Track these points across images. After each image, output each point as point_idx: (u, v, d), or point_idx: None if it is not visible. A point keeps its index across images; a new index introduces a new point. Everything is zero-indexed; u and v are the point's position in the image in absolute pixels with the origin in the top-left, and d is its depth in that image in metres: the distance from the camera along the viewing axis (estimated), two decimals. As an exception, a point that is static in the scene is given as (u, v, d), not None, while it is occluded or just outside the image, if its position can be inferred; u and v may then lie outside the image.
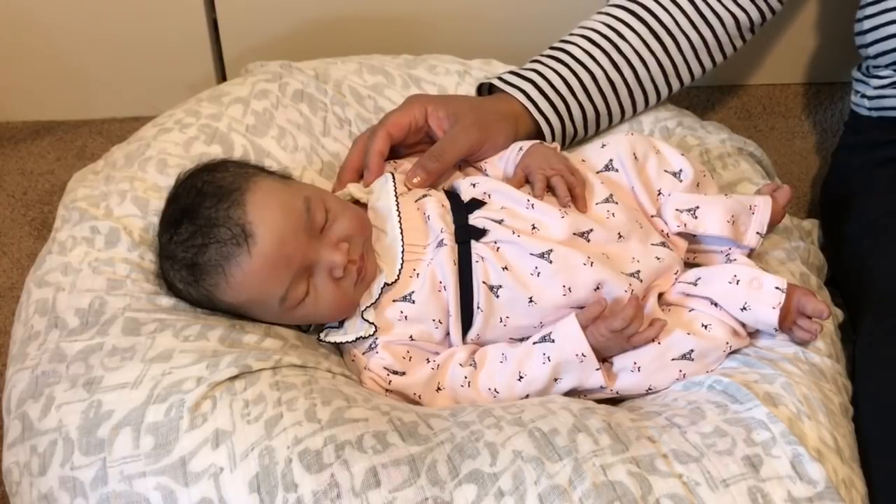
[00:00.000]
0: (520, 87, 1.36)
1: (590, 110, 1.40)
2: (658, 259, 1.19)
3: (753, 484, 0.99)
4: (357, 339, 1.15)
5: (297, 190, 1.16)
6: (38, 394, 1.07)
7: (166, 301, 1.16)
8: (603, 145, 1.28)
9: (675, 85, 1.45)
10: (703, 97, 1.93)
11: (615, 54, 1.40)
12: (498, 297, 1.16)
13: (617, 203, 1.21)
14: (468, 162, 1.32)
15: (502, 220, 1.18)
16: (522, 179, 1.24)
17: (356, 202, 1.25)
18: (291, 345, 1.14)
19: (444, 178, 1.29)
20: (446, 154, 1.27)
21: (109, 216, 1.23)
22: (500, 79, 1.39)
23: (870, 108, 1.50)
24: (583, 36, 1.41)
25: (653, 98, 1.45)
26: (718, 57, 1.45)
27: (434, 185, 1.27)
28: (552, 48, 1.42)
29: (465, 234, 1.17)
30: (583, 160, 1.28)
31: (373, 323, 1.15)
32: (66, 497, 1.01)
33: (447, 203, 1.21)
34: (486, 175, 1.30)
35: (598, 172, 1.26)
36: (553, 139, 1.38)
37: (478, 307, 1.16)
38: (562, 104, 1.37)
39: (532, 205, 1.19)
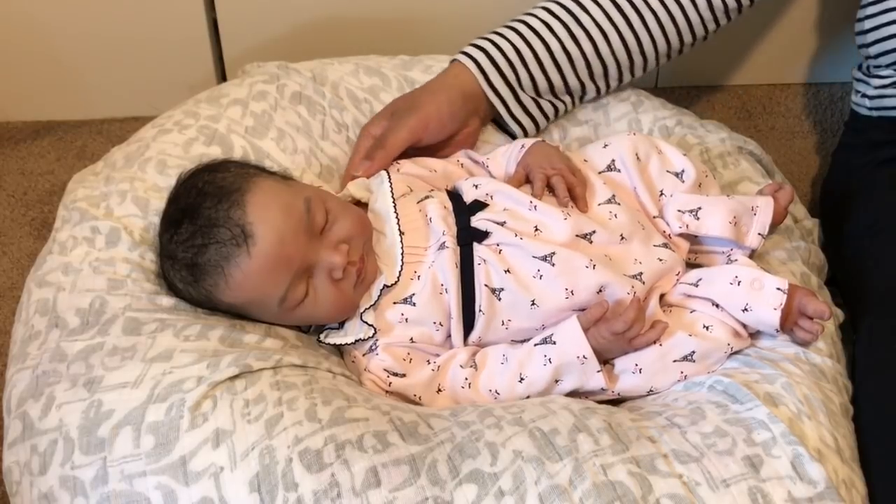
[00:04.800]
0: (470, 54, 1.38)
1: (541, 80, 1.40)
2: (660, 260, 1.19)
3: (754, 484, 0.99)
4: (356, 341, 1.15)
5: (298, 190, 1.16)
6: (39, 393, 1.07)
7: (167, 301, 1.16)
8: (605, 145, 1.28)
9: (639, 62, 1.44)
10: (703, 97, 1.93)
11: (574, 26, 1.40)
12: (500, 299, 1.16)
13: (619, 204, 1.22)
14: (471, 158, 1.33)
15: (505, 223, 1.18)
16: (523, 178, 1.25)
17: (357, 202, 1.25)
18: (292, 345, 1.15)
19: (441, 178, 1.30)
20: (388, 141, 1.30)
21: (110, 216, 1.23)
22: (461, 51, 1.40)
23: (870, 108, 1.50)
24: (544, 8, 1.42)
25: (614, 74, 1.44)
26: (688, 37, 1.44)
27: (384, 169, 1.28)
28: (514, 19, 1.43)
29: (468, 237, 1.18)
30: (585, 160, 1.28)
31: (372, 325, 1.15)
32: (66, 496, 1.01)
33: (449, 204, 1.21)
34: (488, 170, 1.30)
35: (600, 173, 1.26)
36: (505, 107, 1.38)
37: (479, 310, 1.16)
38: (511, 73, 1.38)
39: (535, 206, 1.19)
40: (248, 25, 1.78)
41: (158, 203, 1.22)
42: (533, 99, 1.41)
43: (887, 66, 1.47)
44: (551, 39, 1.39)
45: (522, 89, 1.39)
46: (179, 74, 1.82)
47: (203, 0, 1.75)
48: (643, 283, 1.17)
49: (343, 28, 1.78)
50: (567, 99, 1.45)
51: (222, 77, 1.85)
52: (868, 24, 1.47)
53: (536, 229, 1.18)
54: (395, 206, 1.19)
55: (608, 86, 1.46)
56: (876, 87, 1.49)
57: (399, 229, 1.18)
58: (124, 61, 1.81)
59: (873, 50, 1.47)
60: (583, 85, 1.43)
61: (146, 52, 1.80)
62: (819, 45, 1.91)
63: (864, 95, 1.52)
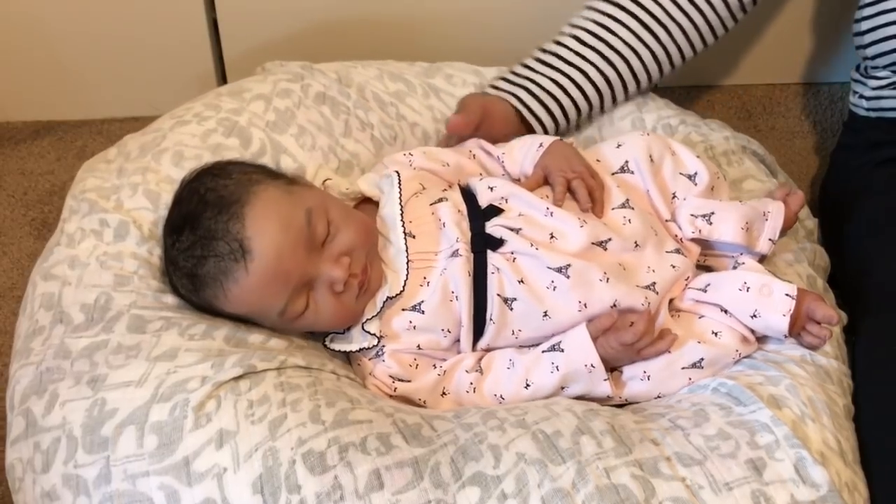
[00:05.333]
0: (513, 92, 1.40)
1: (584, 105, 1.42)
2: (673, 267, 1.19)
3: (757, 487, 0.99)
4: (361, 349, 1.15)
5: (300, 200, 1.14)
6: (42, 390, 1.07)
7: (172, 299, 1.16)
8: (618, 145, 1.28)
9: (667, 68, 1.47)
10: (703, 97, 1.93)
11: (607, 51, 1.42)
12: (512, 309, 1.15)
13: (633, 209, 1.21)
14: (485, 149, 1.32)
15: (520, 230, 1.17)
16: (541, 179, 1.24)
17: (366, 200, 1.24)
18: (297, 346, 1.15)
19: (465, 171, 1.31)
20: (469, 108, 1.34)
21: (120, 209, 1.23)
22: (494, 86, 1.42)
23: (868, 109, 1.50)
24: (572, 36, 1.43)
25: (645, 82, 1.47)
26: (710, 38, 1.47)
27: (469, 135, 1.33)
28: (543, 51, 1.44)
29: (482, 244, 1.17)
30: (598, 160, 1.27)
31: (374, 334, 1.14)
32: (68, 495, 1.01)
33: (464, 207, 1.20)
34: (503, 165, 1.29)
35: (613, 174, 1.26)
36: (546, 133, 1.39)
37: (490, 319, 1.16)
38: (556, 106, 1.40)
39: (551, 213, 1.18)
40: (248, 25, 1.78)
41: (170, 196, 1.21)
42: (569, 122, 1.45)
43: (884, 67, 1.47)
44: (588, 67, 1.42)
45: (567, 119, 1.43)
46: (179, 74, 1.81)
47: (203, 0, 1.75)
48: (657, 293, 1.17)
49: (343, 29, 1.78)
50: (600, 111, 1.49)
51: (222, 77, 1.84)
52: (865, 25, 1.47)
53: (552, 237, 1.17)
54: (401, 215, 1.18)
55: (638, 91, 1.50)
56: (873, 88, 1.49)
57: (405, 240, 1.16)
58: (124, 61, 1.81)
59: (870, 51, 1.47)
60: (615, 100, 1.47)
61: (146, 53, 1.80)
62: (819, 45, 1.91)
63: (861, 96, 1.52)
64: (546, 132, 1.39)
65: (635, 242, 1.18)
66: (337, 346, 1.17)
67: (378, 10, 1.77)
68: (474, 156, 1.31)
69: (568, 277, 1.14)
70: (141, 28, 1.77)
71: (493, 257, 1.16)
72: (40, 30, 1.76)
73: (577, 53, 1.41)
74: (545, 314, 1.14)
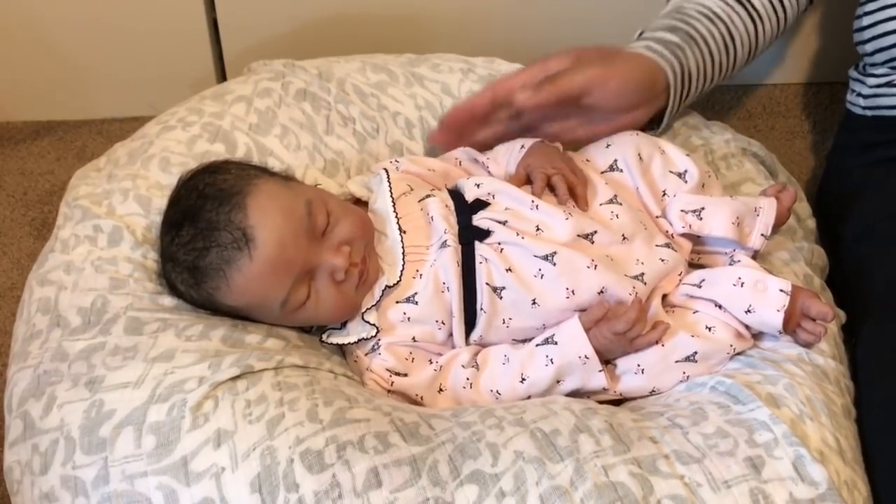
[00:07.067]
0: (668, 60, 1.36)
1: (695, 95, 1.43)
2: (662, 261, 1.19)
3: (755, 485, 0.99)
4: (359, 340, 1.16)
5: (299, 192, 1.16)
6: (40, 393, 1.07)
7: (169, 301, 1.16)
8: (608, 145, 1.28)
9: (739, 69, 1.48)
10: (703, 97, 1.93)
11: (730, 41, 1.43)
12: (501, 298, 1.16)
13: (621, 204, 1.21)
14: (471, 157, 1.32)
15: (506, 222, 1.18)
16: (524, 178, 1.24)
17: (357, 201, 1.25)
18: (294, 345, 1.14)
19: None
20: (560, 80, 1.28)
21: (112, 214, 1.23)
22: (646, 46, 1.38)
23: (864, 108, 1.50)
24: (703, 14, 1.41)
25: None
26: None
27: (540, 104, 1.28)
28: (681, 31, 1.40)
29: (469, 236, 1.17)
30: (587, 160, 1.28)
31: (374, 324, 1.15)
32: (67, 496, 1.01)
33: (451, 203, 1.21)
34: (488, 170, 1.30)
35: (602, 173, 1.26)
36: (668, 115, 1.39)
37: (481, 308, 1.16)
38: (686, 90, 1.40)
39: (536, 206, 1.19)
40: (248, 25, 1.78)
41: (161, 202, 1.22)
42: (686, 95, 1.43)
43: (882, 63, 1.47)
44: (719, 56, 1.42)
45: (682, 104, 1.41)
46: (179, 74, 1.82)
47: (203, 0, 1.75)
48: (645, 283, 1.17)
49: (343, 26, 1.78)
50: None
51: (222, 77, 1.84)
52: (867, 20, 1.47)
53: (538, 229, 1.18)
54: (394, 206, 1.19)
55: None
56: (871, 87, 1.49)
57: (399, 229, 1.18)
58: (124, 61, 1.81)
59: (870, 47, 1.48)
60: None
61: (146, 53, 1.80)
62: (819, 45, 1.91)
63: (858, 94, 1.52)
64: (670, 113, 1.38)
65: (623, 235, 1.19)
66: (335, 340, 1.17)
67: (378, 7, 1.77)
68: (460, 163, 1.32)
69: (554, 265, 1.14)
70: (141, 28, 1.77)
71: (480, 248, 1.17)
72: (40, 30, 1.76)
73: (707, 43, 1.41)
74: (534, 302, 1.15)
